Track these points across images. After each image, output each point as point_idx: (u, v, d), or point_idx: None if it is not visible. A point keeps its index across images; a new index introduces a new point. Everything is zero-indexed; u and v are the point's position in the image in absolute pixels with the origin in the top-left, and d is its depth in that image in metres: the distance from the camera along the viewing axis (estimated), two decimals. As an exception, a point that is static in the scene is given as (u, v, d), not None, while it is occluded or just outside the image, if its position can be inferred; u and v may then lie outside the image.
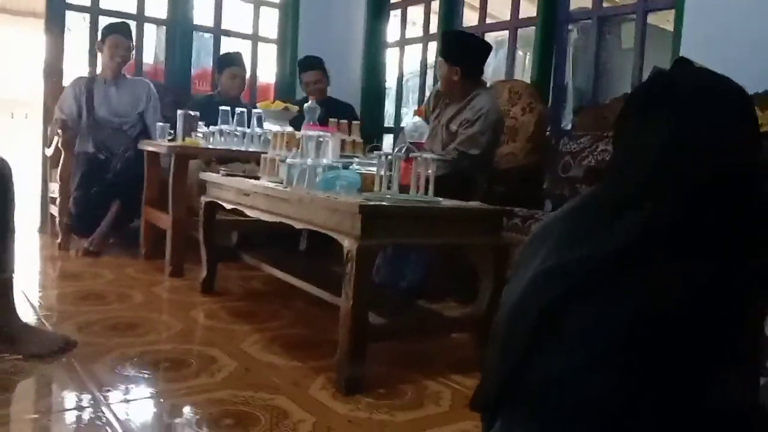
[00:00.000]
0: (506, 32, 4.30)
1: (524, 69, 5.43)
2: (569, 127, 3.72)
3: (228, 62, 4.12)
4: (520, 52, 4.80)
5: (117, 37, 3.82)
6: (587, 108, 3.57)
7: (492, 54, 3.33)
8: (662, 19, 4.29)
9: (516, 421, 0.96)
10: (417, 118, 2.49)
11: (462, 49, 3.13)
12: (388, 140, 5.07)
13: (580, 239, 0.97)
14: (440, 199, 2.10)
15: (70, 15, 4.34)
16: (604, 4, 3.88)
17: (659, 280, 0.88)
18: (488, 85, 3.41)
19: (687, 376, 0.86)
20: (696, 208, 0.92)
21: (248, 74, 4.38)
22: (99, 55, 3.94)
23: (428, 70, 4.84)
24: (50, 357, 1.92)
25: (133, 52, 4.06)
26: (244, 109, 3.43)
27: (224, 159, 3.43)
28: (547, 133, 3.64)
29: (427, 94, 4.78)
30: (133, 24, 4.22)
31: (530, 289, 0.99)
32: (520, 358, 0.95)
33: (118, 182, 3.61)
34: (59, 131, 3.75)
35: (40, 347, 1.95)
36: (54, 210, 3.89)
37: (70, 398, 1.71)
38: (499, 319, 1.05)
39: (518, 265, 1.07)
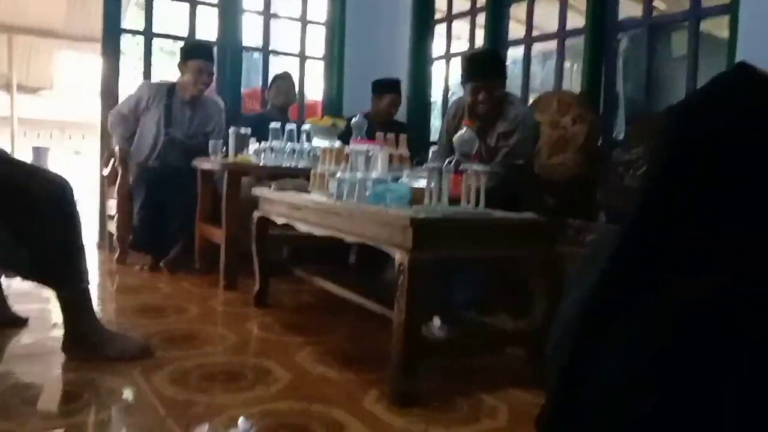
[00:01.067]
0: (554, 43, 4.26)
1: (572, 79, 5.37)
2: (621, 137, 3.66)
3: (274, 79, 4.36)
4: (567, 63, 4.75)
5: (202, 62, 3.80)
6: (640, 118, 3.50)
7: (539, 65, 3.30)
8: (715, 27, 4.19)
9: None
10: (466, 130, 2.46)
11: (502, 64, 3.14)
12: (434, 154, 5.07)
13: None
14: (492, 210, 2.08)
15: (123, 38, 4.49)
16: (654, 13, 3.81)
17: (687, 286, 0.84)
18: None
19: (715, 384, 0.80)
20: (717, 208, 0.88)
21: (297, 89, 4.50)
22: (180, 74, 3.87)
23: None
24: (129, 360, 2.03)
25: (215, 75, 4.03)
26: (294, 126, 3.48)
27: (274, 174, 3.49)
28: (599, 143, 3.58)
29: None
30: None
31: (577, 312, 0.97)
32: (569, 377, 0.93)
33: (185, 226, 3.64)
34: (116, 150, 3.87)
35: (120, 352, 2.06)
36: (111, 226, 4.01)
37: (131, 410, 1.75)
38: (553, 339, 1.03)
39: (571, 285, 1.05)
